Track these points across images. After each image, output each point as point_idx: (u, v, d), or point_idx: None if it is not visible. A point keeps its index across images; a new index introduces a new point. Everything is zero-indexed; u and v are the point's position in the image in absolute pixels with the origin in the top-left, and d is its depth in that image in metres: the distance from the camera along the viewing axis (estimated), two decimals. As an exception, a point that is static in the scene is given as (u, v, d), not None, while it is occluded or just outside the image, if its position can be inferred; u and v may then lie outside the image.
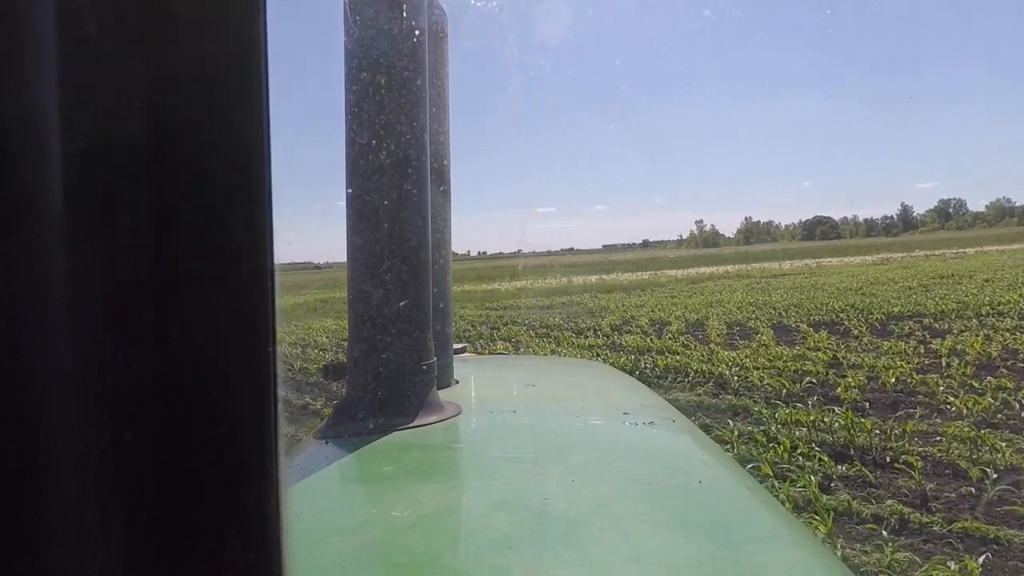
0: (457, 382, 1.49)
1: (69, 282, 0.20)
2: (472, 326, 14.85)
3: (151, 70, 0.21)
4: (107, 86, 0.20)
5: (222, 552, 0.22)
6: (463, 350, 2.09)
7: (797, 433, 5.14)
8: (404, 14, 1.08)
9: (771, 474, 4.18)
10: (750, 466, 4.16)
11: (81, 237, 0.20)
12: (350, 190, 1.11)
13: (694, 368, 7.80)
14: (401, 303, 1.10)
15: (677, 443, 1.11)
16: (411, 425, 1.08)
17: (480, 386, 1.49)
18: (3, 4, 0.19)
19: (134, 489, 0.21)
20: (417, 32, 1.09)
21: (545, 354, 9.26)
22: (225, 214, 0.23)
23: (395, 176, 1.09)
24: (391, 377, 1.10)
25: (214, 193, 0.22)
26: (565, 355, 9.02)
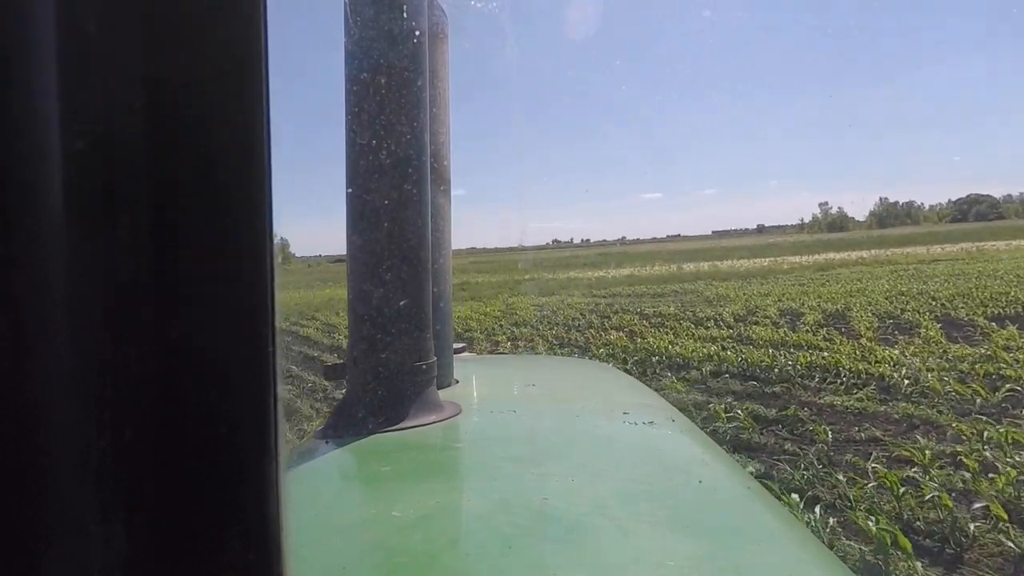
0: (457, 382, 1.49)
1: (69, 282, 0.20)
2: (581, 314, 13.75)
3: (151, 70, 0.21)
4: (107, 86, 0.20)
5: (222, 552, 0.22)
6: (463, 350, 2.09)
7: (1019, 459, 3.83)
8: (404, 15, 1.08)
9: (1005, 516, 3.11)
10: (978, 505, 3.31)
11: (81, 237, 0.20)
12: (350, 190, 1.11)
13: (846, 367, 6.57)
14: (401, 303, 1.10)
15: (677, 443, 1.11)
16: (411, 425, 1.08)
17: (480, 386, 1.49)
18: (3, 4, 0.19)
19: (134, 489, 0.21)
20: (417, 33, 1.09)
21: (664, 346, 8.64)
22: (225, 214, 0.23)
23: (395, 176, 1.09)
24: (391, 377, 1.10)
25: (214, 193, 0.22)
26: (691, 348, 8.36)
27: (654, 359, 8.19)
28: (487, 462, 0.97)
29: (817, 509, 3.38)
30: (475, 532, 0.72)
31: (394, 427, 1.07)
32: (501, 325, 13.12)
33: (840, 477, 3.89)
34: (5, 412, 0.19)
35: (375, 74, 1.07)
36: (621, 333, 10.60)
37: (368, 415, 1.08)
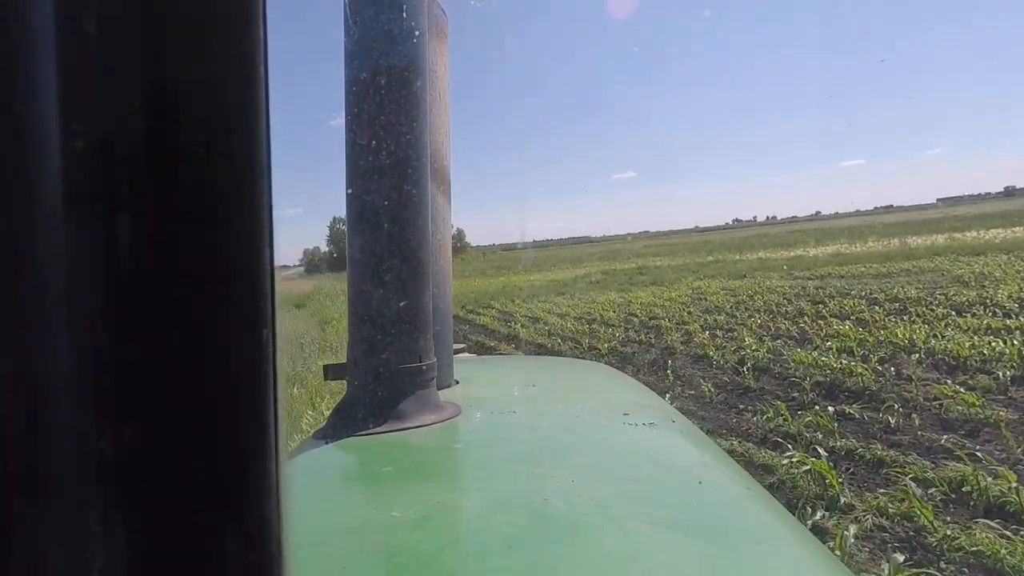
0: (457, 382, 1.49)
1: (69, 282, 0.20)
2: (786, 299, 11.70)
3: (151, 70, 0.21)
4: (107, 86, 0.20)
5: (222, 552, 0.22)
6: (463, 350, 2.09)
7: None
8: (404, 14, 1.08)
9: None
10: None
11: (81, 237, 0.20)
12: (350, 191, 1.11)
13: None
14: (401, 304, 1.10)
15: (677, 443, 1.11)
16: (411, 425, 1.08)
17: (480, 386, 1.49)
18: (3, 4, 0.19)
19: (134, 489, 0.21)
20: (417, 32, 1.09)
21: (920, 339, 7.00)
22: (225, 214, 0.23)
23: (395, 177, 1.09)
24: (391, 377, 1.10)
25: (214, 193, 0.22)
26: (963, 342, 6.63)
27: (911, 356, 6.42)
28: (487, 462, 0.97)
29: None
30: (475, 532, 0.72)
31: (394, 428, 1.07)
32: (690, 312, 11.72)
33: None
34: (5, 412, 0.19)
35: (375, 74, 1.07)
36: (848, 322, 8.56)
37: (368, 415, 1.08)
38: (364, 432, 1.06)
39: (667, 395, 6.26)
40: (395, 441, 1.03)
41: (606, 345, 9.16)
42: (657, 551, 0.66)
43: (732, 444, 4.86)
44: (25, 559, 0.19)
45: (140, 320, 0.21)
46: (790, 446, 4.61)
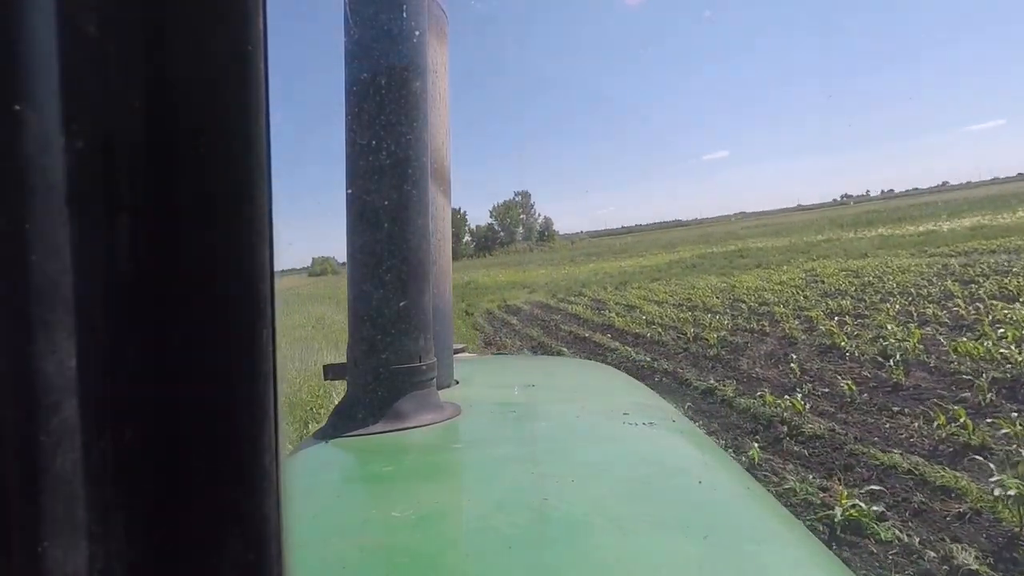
0: (457, 382, 1.49)
1: (69, 282, 0.20)
2: (926, 280, 10.05)
3: (151, 70, 0.21)
4: (107, 86, 0.20)
5: (222, 552, 0.22)
6: (463, 350, 2.10)
7: None
8: (404, 14, 1.08)
9: None
10: None
11: (81, 237, 0.20)
12: (350, 191, 1.11)
13: None
14: (401, 303, 1.10)
15: (677, 443, 1.11)
16: (411, 425, 1.08)
17: (480, 386, 1.49)
18: (3, 4, 0.19)
19: (134, 489, 0.21)
20: (417, 32, 1.09)
21: None
22: (225, 214, 0.23)
23: (395, 177, 1.09)
24: (391, 377, 1.10)
25: (214, 193, 0.22)
26: None
27: None
28: (487, 462, 0.97)
29: None
30: (475, 532, 0.72)
31: (394, 427, 1.07)
32: (807, 296, 10.31)
33: None
34: (5, 412, 0.19)
35: (375, 74, 1.07)
36: (1019, 304, 7.20)
37: (368, 415, 1.08)
38: (364, 432, 1.06)
39: (797, 392, 5.36)
40: (395, 441, 1.03)
41: (714, 335, 8.08)
42: (657, 551, 0.66)
43: (893, 457, 3.88)
44: (25, 559, 0.19)
45: (140, 320, 0.21)
46: (991, 465, 3.52)
